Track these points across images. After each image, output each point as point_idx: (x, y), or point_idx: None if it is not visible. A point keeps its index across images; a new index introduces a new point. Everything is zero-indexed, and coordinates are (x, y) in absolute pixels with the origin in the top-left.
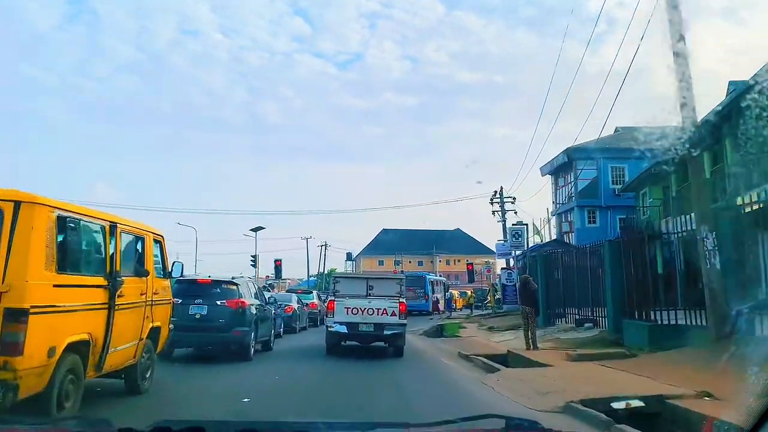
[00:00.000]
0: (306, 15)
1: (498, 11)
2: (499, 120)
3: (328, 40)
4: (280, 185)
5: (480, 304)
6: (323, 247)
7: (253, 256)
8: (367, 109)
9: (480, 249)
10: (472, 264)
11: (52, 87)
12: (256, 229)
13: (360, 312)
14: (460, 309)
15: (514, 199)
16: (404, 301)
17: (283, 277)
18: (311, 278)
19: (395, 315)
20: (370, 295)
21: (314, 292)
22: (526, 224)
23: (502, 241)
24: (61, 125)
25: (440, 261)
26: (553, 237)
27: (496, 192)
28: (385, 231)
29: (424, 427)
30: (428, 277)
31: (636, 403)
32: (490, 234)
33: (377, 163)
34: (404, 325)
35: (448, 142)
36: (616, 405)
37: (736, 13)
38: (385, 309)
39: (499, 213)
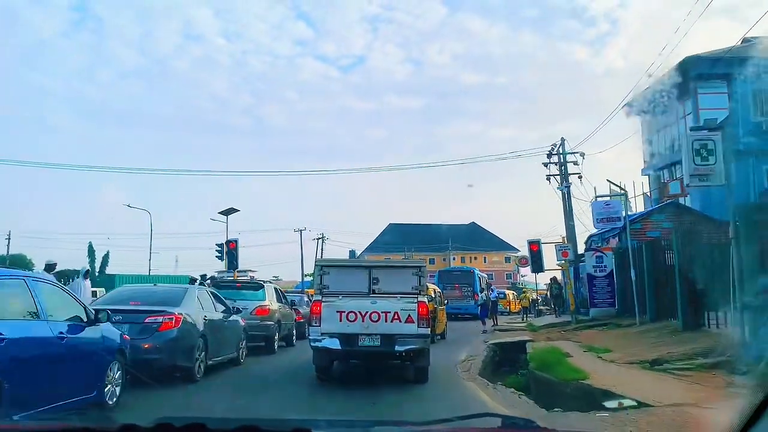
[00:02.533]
0: (308, 19)
1: (500, 12)
2: (503, 121)
3: (330, 44)
4: (283, 187)
5: (531, 307)
6: (320, 240)
7: (219, 245)
8: (370, 112)
9: (499, 244)
10: (537, 243)
11: (57, 93)
12: (226, 212)
13: (360, 318)
14: (517, 312)
15: (583, 155)
16: (425, 300)
17: (241, 268)
18: (306, 278)
19: (412, 322)
20: (374, 293)
21: (267, 287)
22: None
23: (606, 198)
24: (68, 131)
25: (454, 258)
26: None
27: (555, 146)
28: (392, 226)
29: (421, 425)
30: (477, 272)
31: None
32: (507, 228)
33: (381, 165)
34: (426, 337)
35: (452, 143)
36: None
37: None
38: (396, 313)
39: (558, 178)
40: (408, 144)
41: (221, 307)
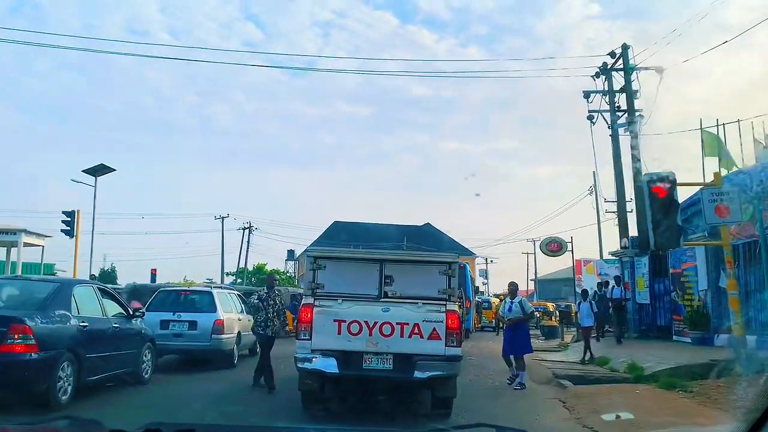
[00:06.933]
0: (258, 21)
1: (450, 27)
2: (449, 133)
3: (280, 47)
4: (229, 188)
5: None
6: (246, 231)
7: (68, 213)
8: (319, 117)
9: (456, 248)
10: (669, 183)
11: None
12: (93, 171)
13: (366, 330)
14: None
15: (661, 72)
16: (456, 309)
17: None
18: (228, 277)
19: (438, 338)
20: (387, 296)
21: None
22: None
23: None
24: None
25: None
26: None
27: (614, 57)
28: (336, 224)
29: None
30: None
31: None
32: (463, 229)
33: (328, 170)
34: (456, 360)
35: (400, 153)
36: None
37: None
38: (417, 325)
39: (607, 114)
40: (357, 152)
41: None
